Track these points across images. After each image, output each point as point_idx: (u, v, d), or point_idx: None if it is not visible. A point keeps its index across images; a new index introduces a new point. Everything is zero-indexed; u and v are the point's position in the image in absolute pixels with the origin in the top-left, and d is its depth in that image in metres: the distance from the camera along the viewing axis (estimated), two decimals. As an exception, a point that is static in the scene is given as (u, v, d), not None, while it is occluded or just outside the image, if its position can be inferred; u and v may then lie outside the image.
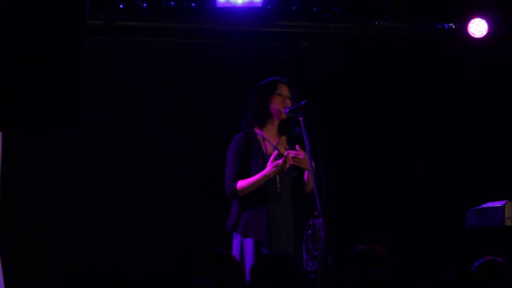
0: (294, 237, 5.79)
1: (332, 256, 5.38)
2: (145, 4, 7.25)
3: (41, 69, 5.86)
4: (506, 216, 6.26)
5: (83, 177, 7.45)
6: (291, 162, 5.71)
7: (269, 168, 5.71)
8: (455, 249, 7.73)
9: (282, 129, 5.96)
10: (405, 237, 7.91)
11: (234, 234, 5.85)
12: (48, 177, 7.36)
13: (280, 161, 5.69)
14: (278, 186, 5.81)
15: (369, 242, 4.50)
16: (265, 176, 5.74)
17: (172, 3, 7.27)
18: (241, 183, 5.78)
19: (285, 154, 5.72)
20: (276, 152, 5.76)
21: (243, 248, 5.80)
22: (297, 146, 5.72)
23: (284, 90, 5.93)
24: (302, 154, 5.70)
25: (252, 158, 5.86)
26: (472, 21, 7.59)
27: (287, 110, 5.85)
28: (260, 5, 7.29)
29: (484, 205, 6.48)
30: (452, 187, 8.01)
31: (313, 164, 5.61)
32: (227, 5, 7.23)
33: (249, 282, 3.61)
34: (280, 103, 5.89)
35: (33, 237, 7.26)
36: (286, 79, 6.00)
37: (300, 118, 5.71)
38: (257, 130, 5.95)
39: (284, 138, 5.97)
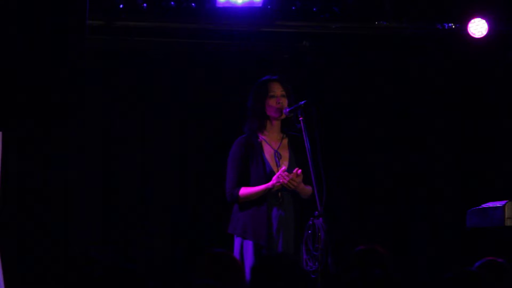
0: (295, 240, 5.79)
1: (332, 256, 5.38)
2: (145, 4, 7.24)
3: (42, 69, 5.86)
4: (506, 216, 6.26)
5: (83, 177, 7.44)
6: (296, 183, 5.73)
7: (274, 182, 5.74)
8: (455, 249, 7.73)
9: (284, 131, 5.96)
10: (405, 237, 7.91)
11: (235, 235, 5.86)
12: (48, 177, 7.35)
13: (287, 178, 5.70)
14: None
15: (369, 242, 4.50)
16: (268, 189, 5.77)
17: (172, 3, 7.27)
18: (244, 191, 5.80)
19: (294, 171, 5.73)
20: (284, 167, 5.77)
21: (243, 249, 5.80)
22: (299, 172, 5.72)
23: (277, 89, 5.91)
24: (298, 181, 5.73)
25: (252, 162, 5.86)
26: (472, 21, 7.59)
27: (287, 110, 5.85)
28: (260, 5, 7.28)
29: (484, 205, 6.47)
30: (452, 187, 8.01)
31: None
32: (227, 5, 7.23)
33: (250, 282, 3.61)
34: (275, 104, 5.88)
35: (33, 237, 7.25)
36: (277, 76, 5.98)
37: (300, 118, 5.71)
38: (258, 133, 5.95)
39: (285, 141, 5.97)
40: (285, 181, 5.70)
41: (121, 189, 7.65)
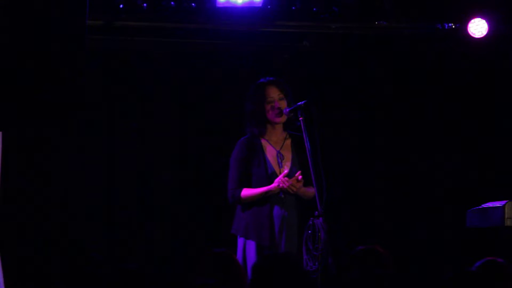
0: (298, 241, 5.79)
1: (332, 256, 5.38)
2: (145, 4, 7.24)
3: (42, 69, 5.86)
4: (506, 216, 6.25)
5: (83, 177, 7.45)
6: (296, 188, 5.74)
7: (275, 184, 5.74)
8: (455, 249, 7.73)
9: (287, 131, 5.95)
10: (405, 237, 7.91)
11: (238, 235, 5.87)
12: (48, 177, 7.36)
13: (287, 184, 5.70)
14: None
15: (369, 242, 4.50)
16: (270, 191, 5.77)
17: (172, 3, 7.26)
18: (245, 193, 5.80)
19: (296, 175, 5.73)
20: (286, 171, 5.77)
21: (245, 250, 5.81)
22: (300, 177, 5.72)
23: (274, 93, 5.90)
24: (298, 187, 5.73)
25: (254, 163, 5.87)
26: (472, 21, 7.59)
27: (287, 110, 5.84)
28: (260, 5, 7.28)
29: (484, 205, 6.47)
30: (451, 187, 8.01)
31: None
32: (227, 5, 7.22)
33: (251, 281, 3.61)
34: (275, 109, 5.87)
35: (33, 237, 7.25)
36: (273, 78, 5.98)
37: (300, 118, 5.71)
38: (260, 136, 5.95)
39: (288, 142, 5.96)
40: (285, 186, 5.70)
41: (121, 189, 7.65)
